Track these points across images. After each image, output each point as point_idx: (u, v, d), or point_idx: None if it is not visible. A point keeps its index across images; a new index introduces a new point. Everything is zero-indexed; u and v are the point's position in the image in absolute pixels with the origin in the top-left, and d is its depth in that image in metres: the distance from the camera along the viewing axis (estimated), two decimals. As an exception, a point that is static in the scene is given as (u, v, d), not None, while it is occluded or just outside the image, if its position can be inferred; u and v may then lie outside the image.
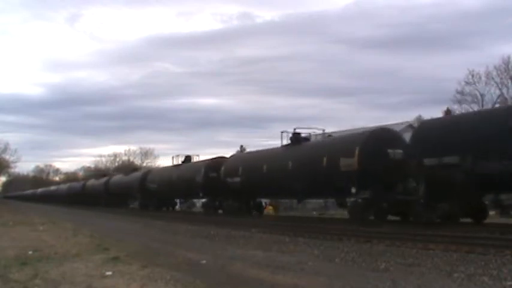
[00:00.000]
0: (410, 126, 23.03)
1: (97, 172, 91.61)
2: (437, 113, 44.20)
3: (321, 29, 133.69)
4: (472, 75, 43.59)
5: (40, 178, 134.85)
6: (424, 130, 18.86)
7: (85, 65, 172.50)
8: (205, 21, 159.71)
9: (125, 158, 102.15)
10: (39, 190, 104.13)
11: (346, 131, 32.28)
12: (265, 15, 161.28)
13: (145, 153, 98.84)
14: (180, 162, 35.96)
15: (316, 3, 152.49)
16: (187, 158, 35.96)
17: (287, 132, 24.25)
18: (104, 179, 54.88)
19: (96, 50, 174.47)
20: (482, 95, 43.47)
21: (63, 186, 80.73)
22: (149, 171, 43.90)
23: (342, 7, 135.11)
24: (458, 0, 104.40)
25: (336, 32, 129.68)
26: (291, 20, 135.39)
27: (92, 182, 60.90)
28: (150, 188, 38.08)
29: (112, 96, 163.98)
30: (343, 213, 28.81)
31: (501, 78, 42.79)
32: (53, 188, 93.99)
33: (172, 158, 36.89)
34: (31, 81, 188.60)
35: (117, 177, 51.86)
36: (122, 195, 46.82)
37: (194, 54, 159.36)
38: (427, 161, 16.31)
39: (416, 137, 18.37)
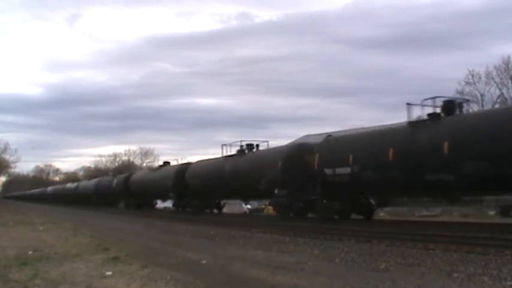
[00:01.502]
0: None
1: (96, 172, 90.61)
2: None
3: (321, 29, 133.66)
4: (472, 75, 43.52)
5: (40, 178, 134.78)
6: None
7: (84, 65, 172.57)
8: (205, 21, 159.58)
9: (124, 158, 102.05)
10: (50, 189, 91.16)
11: (346, 130, 32.29)
12: (264, 15, 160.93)
13: (145, 153, 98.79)
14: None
15: (315, 3, 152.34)
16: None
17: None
18: (173, 169, 35.73)
19: (96, 50, 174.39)
20: (482, 95, 43.40)
21: (88, 184, 61.03)
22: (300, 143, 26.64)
23: (341, 7, 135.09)
24: (458, 0, 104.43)
25: (335, 32, 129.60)
26: (290, 20, 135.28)
27: (143, 174, 44.10)
28: (330, 178, 19.80)
29: (112, 96, 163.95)
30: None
31: (501, 78, 42.72)
32: (69, 186, 73.97)
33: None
34: (31, 81, 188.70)
35: (208, 164, 31.48)
36: (220, 193, 29.71)
37: (193, 54, 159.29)
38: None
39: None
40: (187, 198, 32.72)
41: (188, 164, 34.72)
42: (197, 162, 34.09)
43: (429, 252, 10.18)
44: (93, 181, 58.80)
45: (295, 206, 22.03)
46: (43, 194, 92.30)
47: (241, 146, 27.70)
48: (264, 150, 26.99)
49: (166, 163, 40.07)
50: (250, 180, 24.42)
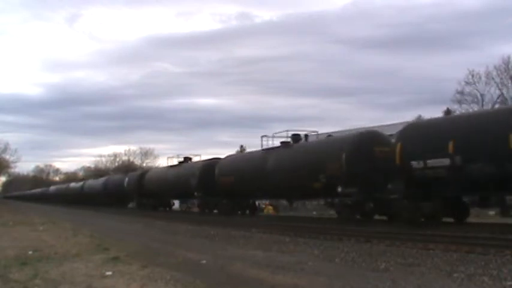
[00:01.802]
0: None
1: (96, 172, 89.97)
2: (437, 113, 44.23)
3: (320, 29, 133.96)
4: (472, 75, 43.52)
5: (40, 178, 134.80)
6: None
7: (84, 65, 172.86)
8: (204, 21, 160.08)
9: (124, 158, 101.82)
10: (52, 188, 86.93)
11: (346, 130, 32.22)
12: (264, 15, 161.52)
13: (145, 153, 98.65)
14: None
15: (315, 3, 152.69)
16: None
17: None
18: (197, 165, 32.15)
19: (96, 50, 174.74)
20: (482, 95, 43.41)
21: (95, 183, 55.62)
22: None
23: (340, 7, 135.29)
24: (458, 0, 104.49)
25: (335, 32, 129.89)
26: (290, 20, 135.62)
27: (161, 171, 38.98)
28: (418, 172, 16.47)
29: (112, 96, 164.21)
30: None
31: (501, 78, 42.68)
32: (74, 185, 68.61)
33: None
34: (31, 81, 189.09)
35: (243, 159, 29.13)
36: (259, 193, 25.92)
37: (193, 54, 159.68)
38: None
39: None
40: (217, 198, 28.26)
41: (217, 159, 30.78)
42: (229, 156, 30.50)
43: (429, 252, 10.18)
44: (101, 180, 54.56)
45: (366, 207, 18.55)
46: (45, 194, 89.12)
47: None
48: (320, 141, 23.15)
49: (187, 159, 35.72)
50: (302, 176, 20.29)
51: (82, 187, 60.86)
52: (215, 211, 29.19)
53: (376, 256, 9.85)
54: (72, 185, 70.68)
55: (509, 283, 6.92)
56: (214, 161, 30.45)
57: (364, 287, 7.01)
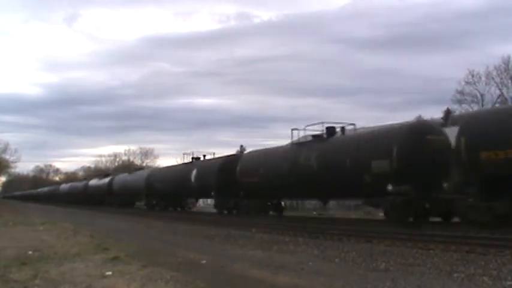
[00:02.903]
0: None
1: (96, 172, 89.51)
2: (437, 112, 44.25)
3: (319, 29, 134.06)
4: (472, 75, 43.60)
5: (40, 178, 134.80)
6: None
7: (84, 65, 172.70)
8: (203, 21, 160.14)
9: (124, 158, 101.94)
10: (64, 187, 75.98)
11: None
12: (262, 15, 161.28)
13: (145, 153, 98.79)
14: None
15: (314, 3, 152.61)
16: None
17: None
18: (363, 138, 19.56)
19: (95, 50, 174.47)
20: (482, 95, 43.46)
21: (130, 178, 43.71)
22: None
23: (339, 7, 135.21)
24: (458, 0, 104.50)
25: (334, 32, 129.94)
26: (289, 20, 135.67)
27: (283, 152, 24.08)
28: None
29: (111, 96, 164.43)
30: (343, 213, 28.85)
31: (501, 78, 42.78)
32: (95, 182, 55.20)
33: None
34: (30, 81, 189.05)
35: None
36: None
37: (192, 54, 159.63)
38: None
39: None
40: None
41: (449, 115, 19.35)
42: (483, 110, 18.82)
43: (429, 252, 10.19)
44: (143, 174, 41.39)
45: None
46: (54, 193, 79.42)
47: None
48: None
49: (332, 129, 21.76)
50: None
51: (110, 184, 48.08)
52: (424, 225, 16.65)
53: (376, 256, 9.85)
54: (93, 182, 56.19)
55: (509, 283, 6.92)
56: (433, 126, 18.39)
57: (364, 287, 7.01)
